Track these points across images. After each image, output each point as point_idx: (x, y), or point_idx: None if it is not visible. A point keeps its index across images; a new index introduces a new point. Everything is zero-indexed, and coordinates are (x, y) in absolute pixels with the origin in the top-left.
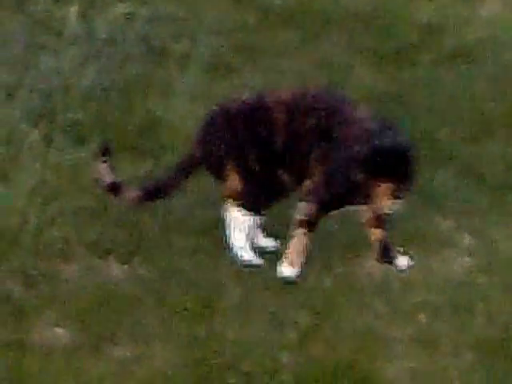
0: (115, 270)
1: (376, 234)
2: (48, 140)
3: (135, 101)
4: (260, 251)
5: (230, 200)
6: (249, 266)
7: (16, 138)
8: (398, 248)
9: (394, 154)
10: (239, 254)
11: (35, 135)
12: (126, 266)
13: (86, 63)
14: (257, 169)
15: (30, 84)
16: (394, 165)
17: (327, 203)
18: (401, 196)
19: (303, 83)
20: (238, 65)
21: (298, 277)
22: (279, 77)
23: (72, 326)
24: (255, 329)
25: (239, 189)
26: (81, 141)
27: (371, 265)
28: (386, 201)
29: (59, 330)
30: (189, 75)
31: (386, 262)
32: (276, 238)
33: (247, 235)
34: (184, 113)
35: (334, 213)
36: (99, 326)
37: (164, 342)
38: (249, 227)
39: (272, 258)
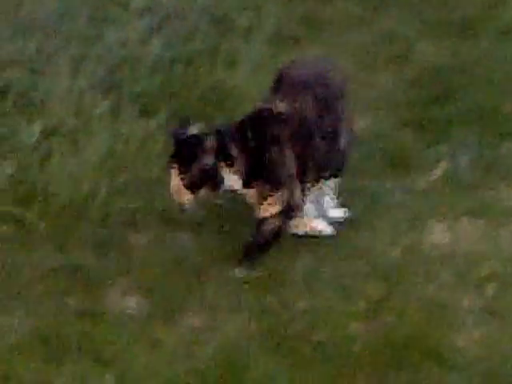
0: (184, 239)
1: None
2: (116, 111)
3: (200, 72)
4: (328, 221)
5: None
6: (319, 235)
7: (84, 109)
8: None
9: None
10: (309, 224)
11: (103, 106)
12: (195, 236)
13: (151, 35)
14: None
15: (97, 56)
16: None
17: None
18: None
19: (366, 56)
20: (301, 36)
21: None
22: (343, 49)
23: (143, 295)
24: (325, 299)
25: None
26: (148, 112)
27: (438, 236)
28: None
29: (130, 299)
30: (253, 46)
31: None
32: (344, 207)
33: (315, 204)
34: (248, 83)
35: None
36: (170, 295)
37: (234, 312)
38: (315, 196)
39: (341, 227)
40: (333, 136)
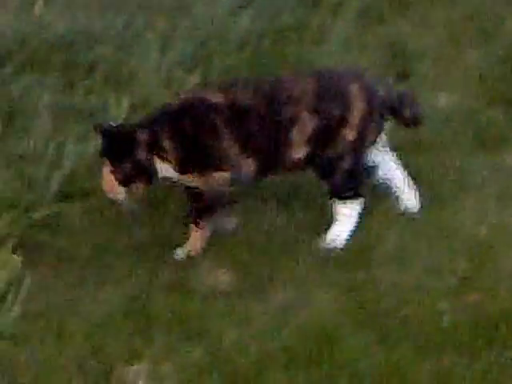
0: (274, 214)
1: None
2: (204, 86)
3: (288, 48)
4: None
5: None
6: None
7: (173, 84)
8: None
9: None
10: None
11: (192, 81)
12: (285, 211)
13: (240, 11)
14: None
15: (185, 31)
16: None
17: None
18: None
19: (453, 32)
20: (389, 14)
21: None
22: (429, 25)
23: (233, 270)
24: (412, 275)
25: None
26: None
27: None
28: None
29: (220, 274)
30: (341, 23)
31: None
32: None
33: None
34: (336, 60)
35: None
36: (259, 270)
37: (322, 288)
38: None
39: (427, 205)
40: (277, 142)
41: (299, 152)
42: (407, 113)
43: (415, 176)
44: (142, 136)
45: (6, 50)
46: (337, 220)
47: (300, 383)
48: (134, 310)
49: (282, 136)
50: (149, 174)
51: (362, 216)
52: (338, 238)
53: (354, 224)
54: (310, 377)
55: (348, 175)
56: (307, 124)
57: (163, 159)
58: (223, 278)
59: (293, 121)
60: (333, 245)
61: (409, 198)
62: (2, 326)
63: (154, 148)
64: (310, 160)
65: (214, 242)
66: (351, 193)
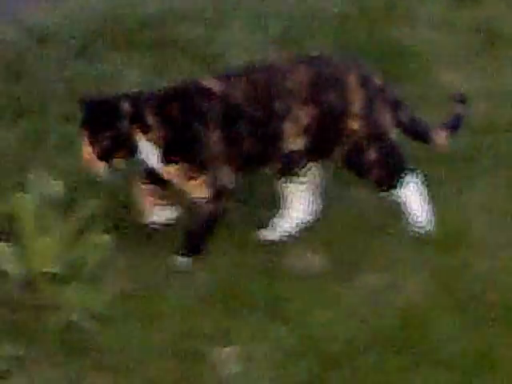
0: (363, 197)
1: None
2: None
3: (379, 28)
4: None
5: None
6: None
7: None
8: None
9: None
10: None
11: None
12: (373, 195)
13: None
14: None
15: (274, 11)
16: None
17: None
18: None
19: None
20: None
21: None
22: None
23: (322, 253)
24: (502, 260)
25: None
26: None
27: None
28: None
29: (311, 257)
30: (432, 3)
31: None
32: None
33: None
34: (427, 40)
35: None
36: (349, 253)
37: (412, 272)
38: None
39: None
40: (269, 133)
41: (296, 145)
42: (402, 118)
43: (495, 159)
44: (125, 107)
45: (96, 28)
46: (408, 207)
47: (389, 367)
48: (224, 293)
49: (276, 129)
50: (129, 148)
51: (451, 201)
52: (423, 221)
53: (425, 196)
54: (398, 362)
55: (382, 164)
56: (303, 117)
57: (145, 135)
58: (313, 260)
59: (287, 114)
60: (422, 228)
61: None
62: (93, 307)
63: (137, 121)
64: (311, 151)
65: (304, 226)
66: (398, 177)
